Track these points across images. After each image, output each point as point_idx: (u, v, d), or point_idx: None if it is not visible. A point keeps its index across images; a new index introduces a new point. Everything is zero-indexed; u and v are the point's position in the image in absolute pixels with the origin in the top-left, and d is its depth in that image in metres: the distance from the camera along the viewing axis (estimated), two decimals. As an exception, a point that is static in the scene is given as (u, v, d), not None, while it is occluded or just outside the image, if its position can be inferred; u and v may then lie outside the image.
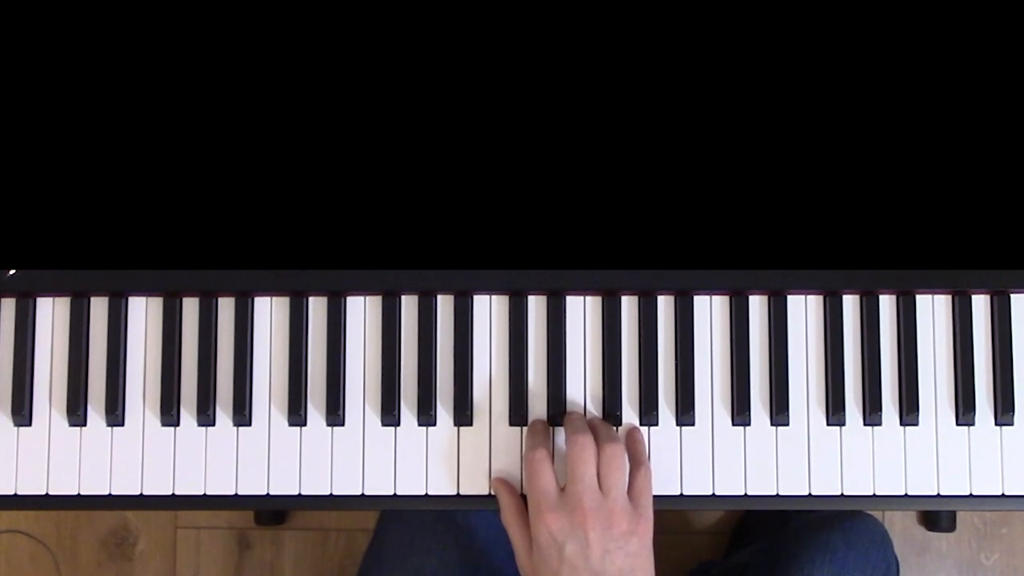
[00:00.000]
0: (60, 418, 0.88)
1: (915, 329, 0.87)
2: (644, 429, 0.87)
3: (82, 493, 0.88)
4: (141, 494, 0.87)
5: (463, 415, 0.87)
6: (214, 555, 1.51)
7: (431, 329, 0.87)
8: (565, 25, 0.79)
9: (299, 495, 0.87)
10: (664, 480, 0.86)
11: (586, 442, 0.81)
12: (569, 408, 0.87)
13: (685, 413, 0.86)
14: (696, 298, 0.88)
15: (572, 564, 0.78)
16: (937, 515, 1.45)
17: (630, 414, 0.87)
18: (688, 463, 0.87)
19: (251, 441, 0.88)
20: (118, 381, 0.88)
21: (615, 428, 0.87)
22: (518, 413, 0.87)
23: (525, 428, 0.87)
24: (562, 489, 0.81)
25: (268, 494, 0.87)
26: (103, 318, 0.88)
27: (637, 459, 0.84)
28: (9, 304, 0.88)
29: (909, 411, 0.86)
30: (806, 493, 0.87)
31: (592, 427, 0.84)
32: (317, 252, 0.81)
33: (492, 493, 0.87)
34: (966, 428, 0.87)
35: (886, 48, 0.79)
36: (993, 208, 0.79)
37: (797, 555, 0.99)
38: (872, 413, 0.86)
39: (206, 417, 0.87)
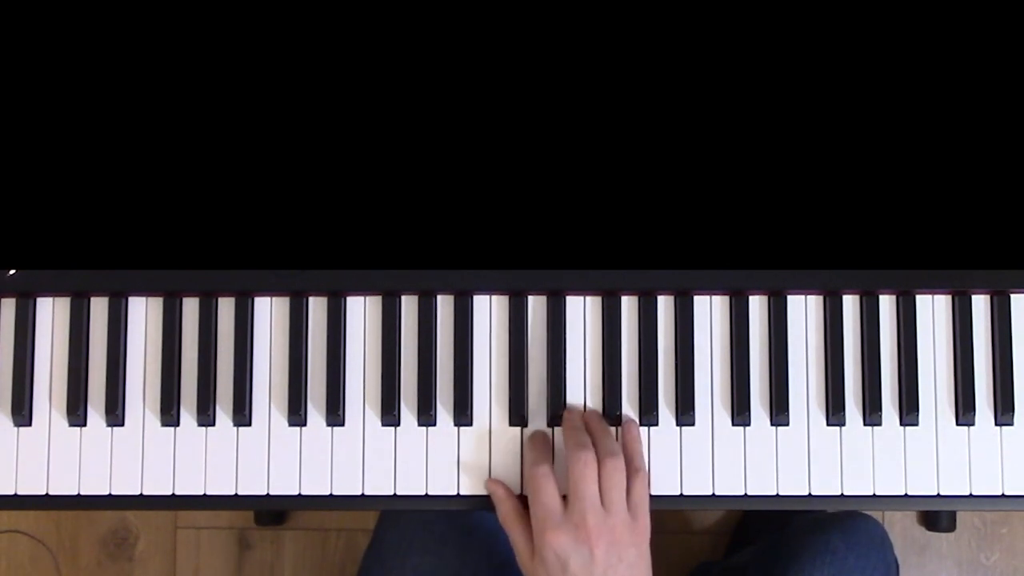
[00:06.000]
0: (60, 418, 0.88)
1: (915, 329, 0.87)
2: (644, 429, 0.87)
3: (82, 493, 0.88)
4: (141, 494, 0.87)
5: (463, 415, 0.87)
6: (214, 555, 1.51)
7: (431, 329, 0.87)
8: (565, 26, 0.79)
9: (299, 495, 0.87)
10: (664, 480, 0.86)
11: (588, 458, 0.81)
12: (569, 407, 0.87)
13: (685, 413, 0.86)
14: (696, 298, 0.88)
15: None
16: (937, 515, 1.45)
17: (630, 414, 0.87)
18: (688, 463, 0.87)
19: (251, 441, 0.88)
20: (118, 381, 0.87)
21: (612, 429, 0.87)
22: (518, 413, 0.87)
23: (525, 428, 0.87)
24: (563, 497, 0.82)
25: (268, 494, 0.87)
26: (103, 318, 0.88)
27: (634, 465, 0.84)
28: (9, 304, 0.88)
29: (909, 411, 0.86)
30: (806, 493, 0.87)
31: (590, 433, 0.84)
32: (317, 252, 0.81)
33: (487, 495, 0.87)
34: (966, 428, 0.87)
35: (886, 48, 0.79)
36: (993, 208, 0.79)
37: (797, 555, 0.99)
38: (872, 413, 0.86)
39: (206, 417, 0.87)
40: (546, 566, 0.80)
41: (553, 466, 0.84)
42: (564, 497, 0.82)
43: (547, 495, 0.82)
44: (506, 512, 0.84)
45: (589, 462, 0.81)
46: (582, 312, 0.88)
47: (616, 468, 0.82)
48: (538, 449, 0.85)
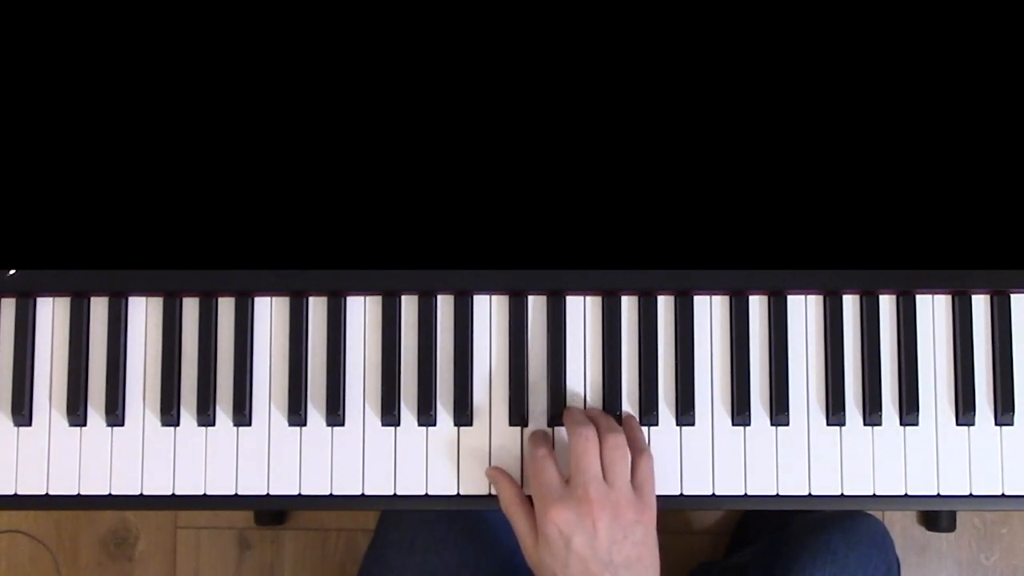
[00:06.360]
0: (60, 418, 0.88)
1: (915, 329, 0.87)
2: (644, 429, 0.87)
3: (82, 493, 0.88)
4: (141, 494, 0.87)
5: (463, 415, 0.87)
6: (214, 555, 1.51)
7: (431, 329, 0.87)
8: (565, 26, 0.79)
9: (299, 495, 0.87)
10: (664, 480, 0.86)
11: (589, 434, 0.81)
12: (568, 406, 0.87)
13: (685, 413, 0.86)
14: (696, 298, 0.88)
15: (580, 556, 0.79)
16: (937, 515, 1.45)
17: (630, 413, 0.87)
18: (688, 463, 0.87)
19: (251, 441, 0.88)
20: (118, 381, 0.87)
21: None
22: (518, 413, 0.87)
23: (525, 428, 0.87)
24: (566, 482, 0.81)
25: (268, 494, 0.87)
26: (103, 318, 0.88)
27: (638, 446, 0.84)
28: (9, 304, 0.88)
29: (909, 411, 0.86)
30: (806, 493, 0.87)
31: (592, 418, 0.84)
32: (317, 252, 0.81)
33: (490, 488, 0.86)
34: (966, 428, 0.87)
35: (886, 48, 0.79)
36: (993, 208, 0.79)
37: (798, 555, 0.99)
38: (872, 413, 0.86)
39: (206, 417, 0.87)
40: (549, 544, 0.80)
41: (554, 451, 0.84)
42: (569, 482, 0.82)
43: (547, 474, 0.81)
44: (508, 498, 0.84)
45: (590, 438, 0.81)
46: (582, 312, 0.88)
47: (618, 443, 0.81)
48: (538, 439, 0.85)
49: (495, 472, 0.86)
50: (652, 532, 0.82)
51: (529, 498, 0.84)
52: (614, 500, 0.80)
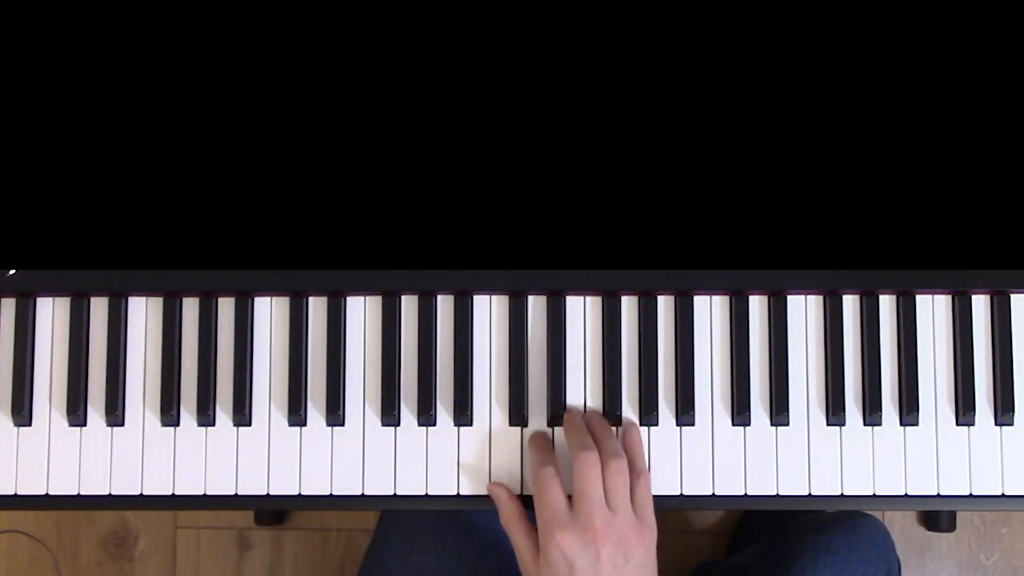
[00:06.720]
0: (60, 418, 0.88)
1: (915, 329, 0.87)
2: (644, 429, 0.87)
3: (82, 493, 0.88)
4: (141, 494, 0.87)
5: (463, 415, 0.87)
6: (214, 555, 1.51)
7: (431, 329, 0.87)
8: (566, 26, 0.79)
9: (299, 495, 0.87)
10: (664, 480, 0.86)
11: (593, 459, 0.81)
12: (569, 408, 0.87)
13: (685, 413, 0.86)
14: (696, 298, 0.88)
15: None
16: (937, 515, 1.45)
17: (630, 414, 0.87)
18: (688, 463, 0.87)
19: (251, 441, 0.88)
20: (118, 381, 0.87)
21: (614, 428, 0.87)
22: (518, 413, 0.87)
23: (525, 428, 0.87)
24: (568, 497, 0.82)
25: (268, 494, 0.87)
26: (103, 318, 0.88)
27: (637, 468, 0.84)
28: (9, 304, 0.88)
29: (909, 411, 0.86)
30: (806, 493, 0.87)
31: (593, 433, 0.84)
32: (317, 252, 0.81)
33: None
34: (966, 428, 0.87)
35: (886, 47, 0.79)
36: (993, 208, 0.79)
37: (798, 556, 0.99)
38: (872, 413, 0.86)
39: (206, 417, 0.87)
40: (551, 566, 0.80)
41: (558, 462, 0.84)
42: (568, 497, 0.82)
43: (553, 495, 0.82)
44: (508, 515, 0.85)
45: (594, 463, 0.81)
46: (582, 312, 0.88)
47: (620, 469, 0.82)
48: (543, 450, 0.85)
49: (495, 488, 0.86)
50: (652, 553, 0.82)
51: (528, 500, 0.84)
52: (617, 526, 0.80)
